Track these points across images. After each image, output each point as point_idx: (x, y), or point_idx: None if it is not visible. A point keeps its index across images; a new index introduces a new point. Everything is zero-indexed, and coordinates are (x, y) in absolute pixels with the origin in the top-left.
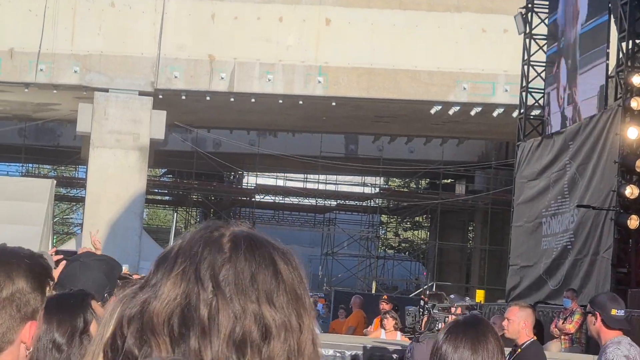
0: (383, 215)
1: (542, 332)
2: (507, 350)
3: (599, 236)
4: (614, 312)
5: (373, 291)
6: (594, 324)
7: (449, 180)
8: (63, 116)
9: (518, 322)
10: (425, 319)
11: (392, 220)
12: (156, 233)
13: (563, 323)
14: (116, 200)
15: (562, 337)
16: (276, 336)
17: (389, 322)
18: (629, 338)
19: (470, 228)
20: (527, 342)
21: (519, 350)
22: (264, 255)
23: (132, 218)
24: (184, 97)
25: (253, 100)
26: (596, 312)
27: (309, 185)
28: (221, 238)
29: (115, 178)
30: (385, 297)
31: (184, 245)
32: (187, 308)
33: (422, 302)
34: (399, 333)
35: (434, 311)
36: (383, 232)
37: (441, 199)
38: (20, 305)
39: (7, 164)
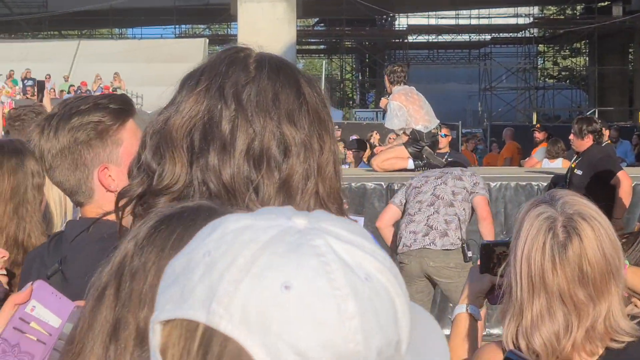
0: (540, 45)
1: None
2: None
3: None
4: None
5: (534, 123)
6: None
7: (605, 3)
8: None
9: None
10: None
11: (549, 49)
12: None
13: None
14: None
15: None
16: (295, 154)
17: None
18: None
19: (630, 50)
20: None
21: None
22: (287, 75)
23: None
24: None
25: None
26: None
27: (461, 22)
28: (247, 59)
29: (265, 31)
30: (537, 125)
31: (209, 65)
32: (209, 124)
33: None
34: (560, 160)
35: None
36: (541, 62)
37: (598, 22)
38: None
39: (162, 27)
